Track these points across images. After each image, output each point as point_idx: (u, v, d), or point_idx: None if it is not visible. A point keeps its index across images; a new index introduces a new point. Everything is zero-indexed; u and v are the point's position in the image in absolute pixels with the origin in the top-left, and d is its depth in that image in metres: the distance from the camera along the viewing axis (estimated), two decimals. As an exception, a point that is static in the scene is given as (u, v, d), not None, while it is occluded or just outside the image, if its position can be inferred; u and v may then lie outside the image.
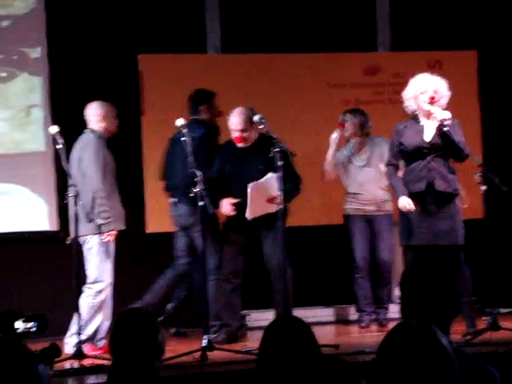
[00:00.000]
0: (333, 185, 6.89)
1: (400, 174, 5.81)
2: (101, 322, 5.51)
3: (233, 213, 5.78)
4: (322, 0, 7.36)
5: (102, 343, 5.50)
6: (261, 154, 5.71)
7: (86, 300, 5.51)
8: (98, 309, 5.49)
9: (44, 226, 6.64)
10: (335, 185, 6.88)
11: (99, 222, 5.47)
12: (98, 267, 5.53)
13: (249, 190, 5.68)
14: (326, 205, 6.97)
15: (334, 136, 6.53)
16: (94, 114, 5.70)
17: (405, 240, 5.68)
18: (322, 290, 7.14)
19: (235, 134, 5.81)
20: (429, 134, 5.60)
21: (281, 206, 5.49)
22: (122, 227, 5.65)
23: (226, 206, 5.80)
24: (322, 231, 7.08)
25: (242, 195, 5.71)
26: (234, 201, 5.78)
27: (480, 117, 7.06)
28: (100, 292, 5.52)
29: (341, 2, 7.39)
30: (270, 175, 5.66)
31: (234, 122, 5.81)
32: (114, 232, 5.53)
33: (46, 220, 6.64)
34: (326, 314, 6.98)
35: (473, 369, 2.66)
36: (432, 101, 5.55)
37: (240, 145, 5.84)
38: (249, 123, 5.76)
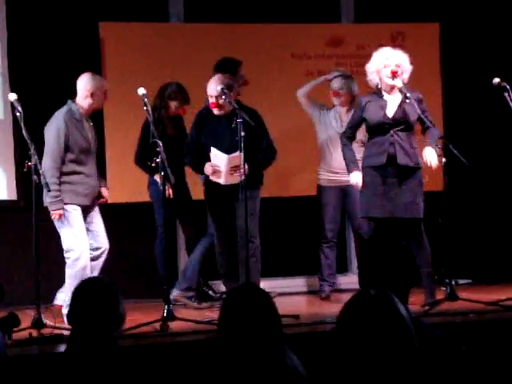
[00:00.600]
0: (300, 154, 6.91)
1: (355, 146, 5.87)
2: None
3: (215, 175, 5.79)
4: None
5: None
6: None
7: (67, 270, 5.52)
8: (78, 277, 5.44)
9: (2, 195, 6.55)
10: (301, 155, 6.90)
11: (46, 199, 5.46)
12: (66, 236, 5.51)
13: (225, 161, 5.69)
14: (296, 175, 6.98)
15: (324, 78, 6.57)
16: (83, 89, 5.61)
17: (365, 212, 5.73)
18: (293, 260, 7.19)
19: (211, 100, 5.78)
20: (391, 109, 5.65)
21: (243, 178, 5.50)
22: (86, 202, 5.60)
23: (209, 169, 5.79)
24: (295, 202, 7.10)
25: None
26: (214, 164, 5.78)
27: (442, 89, 7.10)
28: (76, 260, 5.48)
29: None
30: (235, 154, 5.68)
31: (211, 87, 5.78)
32: (60, 211, 5.48)
33: (5, 189, 6.55)
34: (293, 284, 7.01)
35: (430, 338, 2.69)
36: (394, 75, 5.58)
37: (215, 111, 5.80)
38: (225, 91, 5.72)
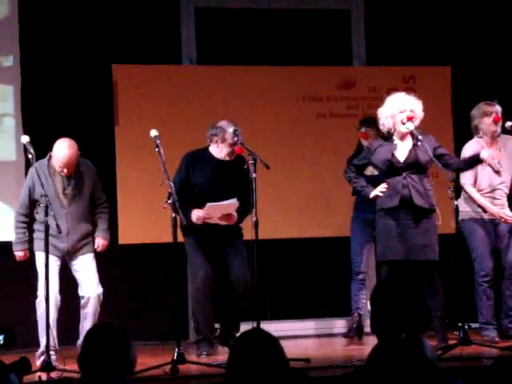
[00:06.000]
0: (308, 198, 6.91)
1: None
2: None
3: (201, 222, 5.78)
4: (298, 13, 7.38)
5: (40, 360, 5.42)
6: (235, 166, 5.72)
7: None
8: (42, 319, 5.46)
9: (12, 236, 6.54)
10: (311, 199, 6.90)
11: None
12: (38, 280, 5.58)
13: (206, 208, 5.73)
14: (303, 217, 6.97)
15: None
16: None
17: (381, 256, 5.69)
18: (304, 303, 7.16)
19: (237, 146, 5.71)
20: (402, 153, 5.64)
21: (254, 218, 5.46)
22: (55, 253, 5.60)
23: (195, 218, 5.78)
24: (298, 244, 7.09)
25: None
26: (202, 212, 5.77)
27: (453, 131, 7.11)
28: (38, 303, 5.53)
29: (317, 16, 7.41)
30: (232, 200, 5.71)
31: (239, 133, 5.74)
32: (20, 253, 5.67)
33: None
34: (306, 327, 6.96)
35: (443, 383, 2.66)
36: (410, 120, 5.58)
37: (231, 157, 5.78)
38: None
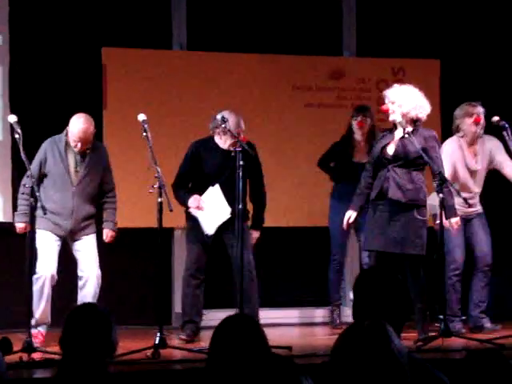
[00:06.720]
0: (299, 185, 6.93)
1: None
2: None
3: (200, 210, 5.80)
4: (290, 2, 7.37)
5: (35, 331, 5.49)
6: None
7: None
8: (37, 296, 5.50)
9: (1, 216, 6.54)
10: (301, 185, 6.92)
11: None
12: (37, 257, 5.56)
13: (193, 213, 5.78)
14: (291, 206, 6.99)
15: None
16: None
17: (365, 245, 5.82)
18: (291, 292, 7.18)
19: (242, 135, 5.74)
20: (392, 146, 5.66)
21: (240, 207, 5.48)
22: (58, 232, 5.61)
23: (195, 203, 5.80)
24: (290, 233, 7.11)
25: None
26: (201, 198, 5.79)
27: (441, 125, 7.12)
28: (37, 279, 5.53)
29: (308, 6, 7.41)
30: (210, 188, 5.75)
31: (242, 123, 5.78)
32: (21, 225, 5.57)
33: (1, 210, 6.55)
34: (291, 315, 6.98)
35: (423, 374, 2.68)
36: (385, 112, 5.64)
37: (235, 146, 5.74)
38: None
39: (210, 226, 5.82)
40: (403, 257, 5.63)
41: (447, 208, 5.56)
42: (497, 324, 6.28)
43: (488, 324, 6.23)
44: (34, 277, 5.52)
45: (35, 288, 5.51)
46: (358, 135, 6.52)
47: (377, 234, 5.62)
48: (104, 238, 5.81)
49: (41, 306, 5.54)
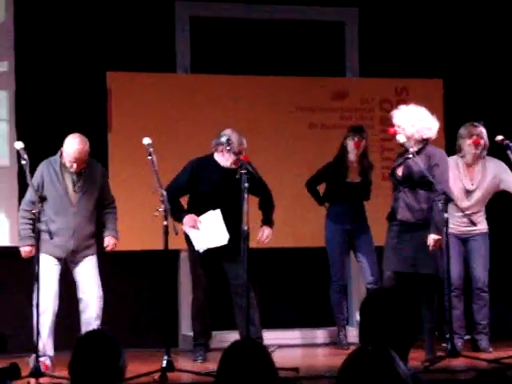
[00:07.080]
0: (302, 206, 6.93)
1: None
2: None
3: (194, 229, 5.81)
4: (293, 24, 7.42)
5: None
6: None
7: None
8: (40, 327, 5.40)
9: (4, 241, 6.56)
10: (304, 206, 6.92)
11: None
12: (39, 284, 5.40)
13: (186, 230, 5.79)
14: (296, 226, 7.00)
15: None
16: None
17: (384, 265, 5.87)
18: (293, 313, 7.17)
19: (244, 154, 5.76)
20: (401, 167, 5.73)
21: (245, 228, 5.49)
22: (58, 254, 5.59)
23: (190, 222, 5.81)
24: (284, 254, 7.11)
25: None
26: (197, 219, 5.80)
27: (445, 144, 7.14)
28: (42, 313, 5.41)
29: (311, 27, 7.45)
30: (211, 212, 5.75)
31: (244, 141, 5.81)
32: (26, 248, 5.55)
33: (7, 235, 6.57)
34: (295, 336, 6.97)
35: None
36: (392, 134, 5.71)
37: (235, 165, 5.78)
38: None
39: (201, 245, 5.82)
40: (417, 276, 5.66)
41: (431, 223, 5.56)
42: (490, 346, 6.13)
43: (483, 344, 6.15)
44: (40, 310, 5.38)
45: (36, 316, 5.40)
46: (352, 155, 6.53)
47: (391, 255, 5.69)
48: (105, 245, 5.74)
49: (43, 337, 5.46)
